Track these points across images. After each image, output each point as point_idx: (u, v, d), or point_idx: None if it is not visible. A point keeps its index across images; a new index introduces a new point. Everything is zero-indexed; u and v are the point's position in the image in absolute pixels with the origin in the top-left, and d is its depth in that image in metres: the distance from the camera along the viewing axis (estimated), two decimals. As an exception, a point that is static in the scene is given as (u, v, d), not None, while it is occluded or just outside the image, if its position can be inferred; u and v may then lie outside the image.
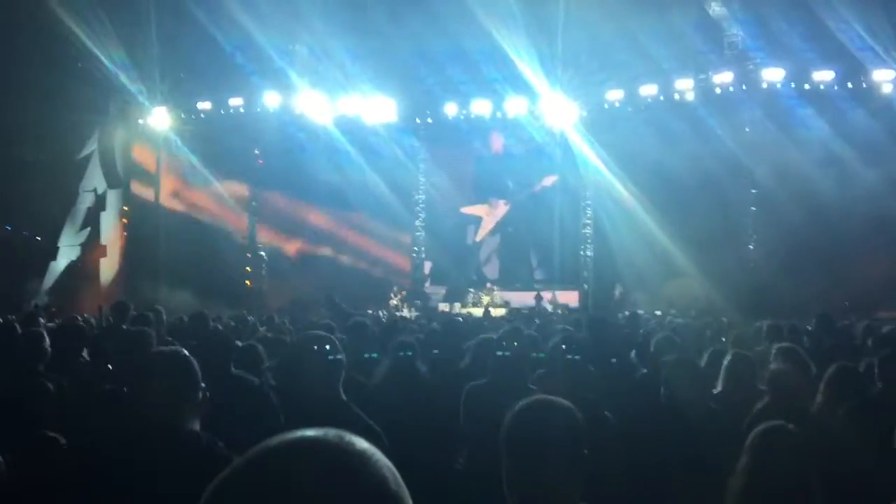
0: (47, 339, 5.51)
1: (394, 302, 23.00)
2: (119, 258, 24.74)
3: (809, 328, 9.10)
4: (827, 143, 20.26)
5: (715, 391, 5.06)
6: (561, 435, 2.28)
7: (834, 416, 4.35)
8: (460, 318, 13.19)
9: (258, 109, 24.49)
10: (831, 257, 19.60)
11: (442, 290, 25.07)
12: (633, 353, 6.70)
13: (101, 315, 10.53)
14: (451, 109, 24.31)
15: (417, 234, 25.93)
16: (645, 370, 6.06)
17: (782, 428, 2.77)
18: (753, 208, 22.04)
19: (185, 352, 2.73)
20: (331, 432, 0.97)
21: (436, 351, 6.66)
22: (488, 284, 23.33)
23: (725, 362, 5.14)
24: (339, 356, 3.42)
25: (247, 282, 24.71)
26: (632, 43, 21.22)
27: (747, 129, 21.80)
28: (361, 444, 0.97)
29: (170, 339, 6.63)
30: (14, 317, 10.04)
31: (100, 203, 24.43)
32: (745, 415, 4.55)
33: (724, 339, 8.26)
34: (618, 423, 4.58)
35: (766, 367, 5.35)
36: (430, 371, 5.79)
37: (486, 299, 22.57)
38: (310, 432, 0.97)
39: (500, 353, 4.87)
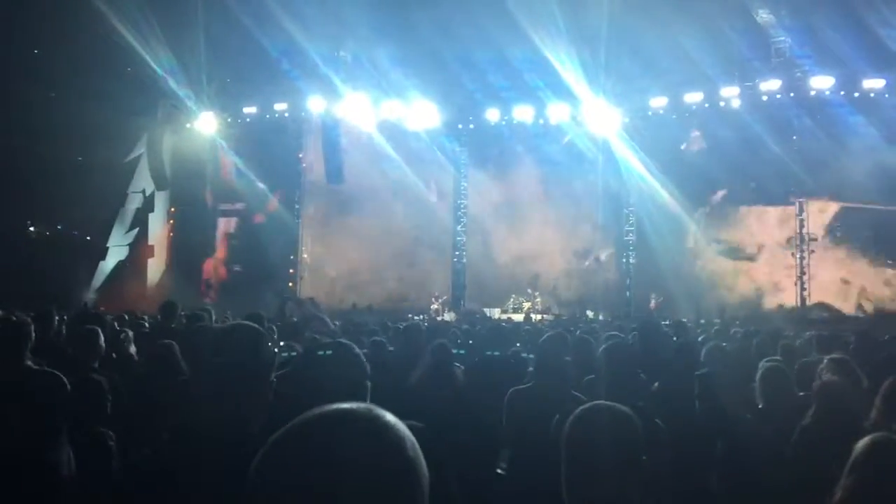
0: (102, 337, 5.65)
1: (435, 306, 23.07)
2: (166, 258, 25.20)
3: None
4: (878, 152, 19.82)
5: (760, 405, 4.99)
6: (621, 441, 2.28)
7: (890, 431, 4.26)
8: (504, 323, 13.15)
9: (303, 114, 24.79)
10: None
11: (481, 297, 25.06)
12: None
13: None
14: (493, 115, 24.35)
15: (459, 238, 25.96)
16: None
17: (892, 440, 2.62)
18: (801, 217, 21.67)
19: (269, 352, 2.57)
20: (362, 406, 1.15)
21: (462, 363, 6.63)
22: (529, 290, 23.26)
23: (758, 374, 5.06)
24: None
25: (290, 284, 24.97)
26: (676, 49, 20.98)
27: (795, 138, 21.44)
28: (386, 416, 1.14)
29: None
30: (66, 316, 10.26)
31: (148, 204, 24.93)
32: (785, 426, 4.48)
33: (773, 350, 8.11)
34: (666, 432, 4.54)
35: (813, 379, 5.27)
36: (469, 375, 5.78)
37: (526, 305, 22.50)
38: (344, 405, 1.14)
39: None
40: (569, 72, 21.72)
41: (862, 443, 2.56)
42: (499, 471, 4.96)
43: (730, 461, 4.65)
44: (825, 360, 5.52)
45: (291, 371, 4.18)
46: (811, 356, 6.82)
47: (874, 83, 20.46)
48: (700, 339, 8.61)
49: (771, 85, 21.39)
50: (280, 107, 24.95)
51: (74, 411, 3.97)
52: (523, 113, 23.94)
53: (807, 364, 6.29)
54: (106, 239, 24.25)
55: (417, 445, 1.13)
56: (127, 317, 11.15)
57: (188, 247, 25.07)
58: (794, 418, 4.59)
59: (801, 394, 5.25)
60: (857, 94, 20.69)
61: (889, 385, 4.45)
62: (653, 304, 22.31)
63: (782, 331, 11.49)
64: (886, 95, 20.52)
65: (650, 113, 22.84)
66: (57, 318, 7.12)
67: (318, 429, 1.10)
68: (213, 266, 25.62)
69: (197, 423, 2.30)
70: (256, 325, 2.54)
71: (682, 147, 22.65)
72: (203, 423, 2.26)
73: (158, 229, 25.22)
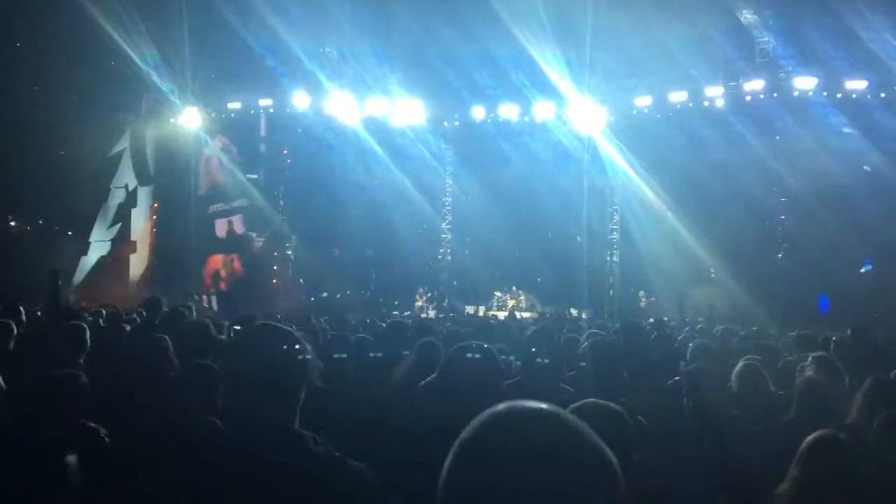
0: (88, 332, 5.61)
1: (419, 303, 23.07)
2: (149, 254, 25.02)
3: (835, 338, 8.95)
4: (859, 152, 20.01)
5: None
6: (610, 439, 2.30)
7: (870, 429, 4.31)
8: (491, 322, 13.19)
9: (287, 110, 24.71)
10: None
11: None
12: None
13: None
14: (478, 113, 24.35)
15: (444, 236, 25.95)
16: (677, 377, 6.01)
17: (834, 438, 2.70)
18: (783, 216, 21.83)
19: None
20: (552, 406, 1.14)
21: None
22: (514, 287, 23.30)
23: (735, 371, 5.12)
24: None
25: (273, 280, 24.88)
26: (661, 49, 21.10)
27: (778, 138, 21.59)
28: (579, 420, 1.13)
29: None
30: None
31: (131, 199, 24.74)
32: (766, 422, 4.53)
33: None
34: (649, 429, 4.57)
35: (794, 377, 5.33)
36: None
37: (511, 303, 22.56)
38: (543, 404, 1.13)
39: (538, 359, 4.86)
40: (554, 70, 21.79)
41: (808, 438, 2.63)
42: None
43: (717, 458, 4.69)
44: (809, 357, 5.59)
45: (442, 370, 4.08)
46: (792, 355, 6.90)
47: (856, 84, 20.65)
48: (680, 337, 8.65)
49: (755, 85, 21.53)
50: (265, 102, 24.85)
51: (52, 407, 3.94)
52: (509, 111, 23.96)
53: (789, 363, 6.36)
54: (88, 234, 24.06)
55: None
56: (105, 312, 11.06)
57: (171, 242, 24.90)
58: (770, 416, 4.64)
59: (781, 392, 5.31)
60: (839, 95, 20.87)
61: (870, 383, 4.51)
62: (643, 302, 22.39)
63: (765, 331, 11.62)
64: (868, 97, 20.70)
65: (635, 112, 22.93)
66: (29, 313, 7.11)
67: (523, 424, 1.09)
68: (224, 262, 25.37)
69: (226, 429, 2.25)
70: (286, 328, 2.43)
71: None
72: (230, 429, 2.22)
73: (141, 225, 25.02)
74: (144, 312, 8.63)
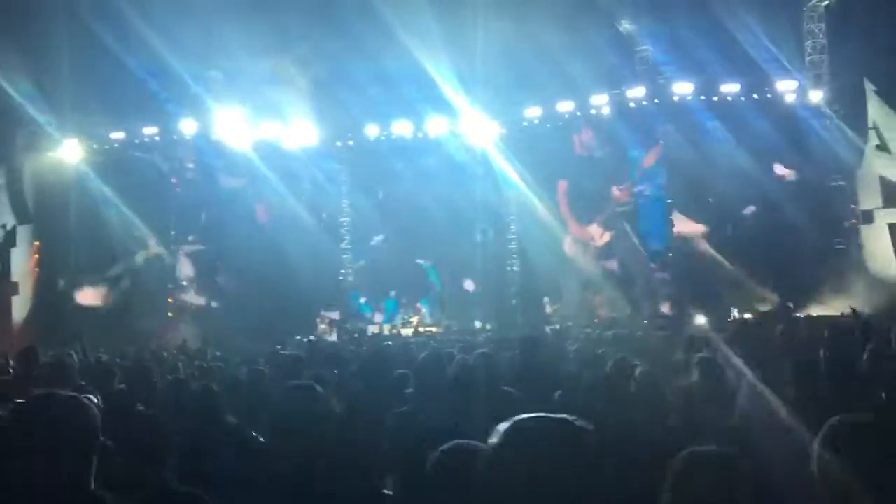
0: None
1: (322, 327, 22.73)
2: (31, 295, 23.70)
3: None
4: (733, 154, 20.87)
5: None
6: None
7: (752, 429, 4.40)
8: (389, 343, 13.08)
9: (174, 137, 23.94)
10: (741, 260, 20.38)
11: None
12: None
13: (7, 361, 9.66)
14: (372, 131, 24.21)
15: (344, 256, 25.62)
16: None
17: (707, 453, 2.63)
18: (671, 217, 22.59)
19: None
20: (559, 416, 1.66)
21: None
22: (417, 305, 23.29)
23: (635, 376, 5.21)
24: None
25: (168, 314, 23.99)
26: (548, 60, 21.52)
27: (661, 142, 22.34)
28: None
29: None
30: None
31: (9, 239, 23.38)
32: (654, 428, 4.58)
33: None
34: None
35: (682, 379, 5.46)
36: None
37: (414, 319, 22.57)
38: (543, 415, 1.65)
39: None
40: (447, 84, 21.89)
41: (679, 456, 2.56)
42: (385, 492, 4.87)
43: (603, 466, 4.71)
44: (694, 360, 5.70)
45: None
46: (679, 356, 7.09)
47: (730, 88, 21.58)
48: (575, 347, 8.79)
49: (637, 92, 22.20)
50: (150, 131, 23.99)
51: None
52: (402, 128, 23.91)
53: (679, 364, 6.52)
54: (-35, 277, 22.65)
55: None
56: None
57: (55, 282, 23.65)
58: (660, 421, 4.72)
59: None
60: (715, 99, 21.75)
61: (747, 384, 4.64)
62: (549, 309, 22.66)
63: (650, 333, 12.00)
64: (742, 99, 21.67)
65: (525, 123, 23.30)
66: None
67: (535, 439, 1.59)
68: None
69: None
70: (65, 395, 2.40)
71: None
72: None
73: (22, 265, 23.67)
74: (18, 367, 8.06)
